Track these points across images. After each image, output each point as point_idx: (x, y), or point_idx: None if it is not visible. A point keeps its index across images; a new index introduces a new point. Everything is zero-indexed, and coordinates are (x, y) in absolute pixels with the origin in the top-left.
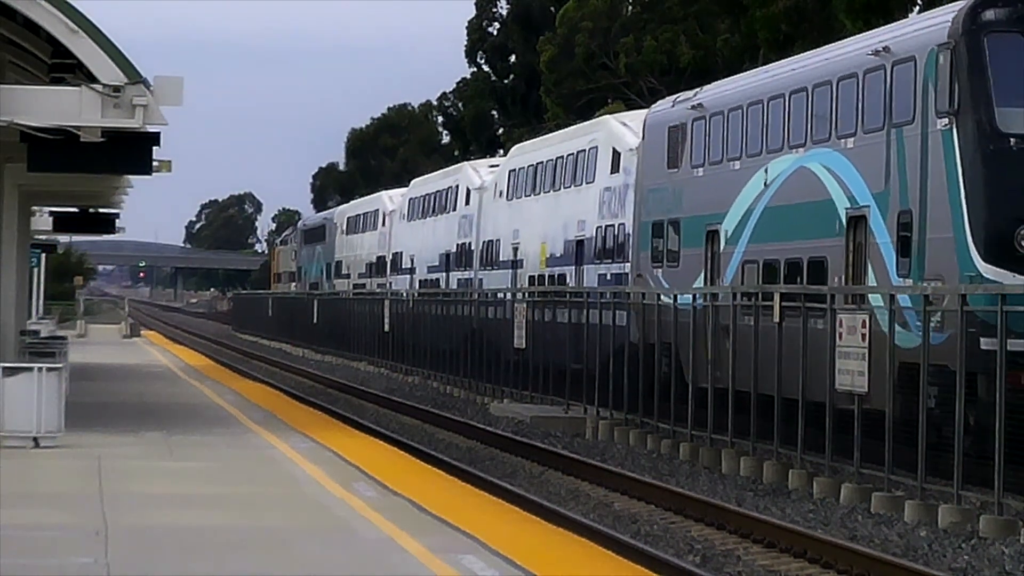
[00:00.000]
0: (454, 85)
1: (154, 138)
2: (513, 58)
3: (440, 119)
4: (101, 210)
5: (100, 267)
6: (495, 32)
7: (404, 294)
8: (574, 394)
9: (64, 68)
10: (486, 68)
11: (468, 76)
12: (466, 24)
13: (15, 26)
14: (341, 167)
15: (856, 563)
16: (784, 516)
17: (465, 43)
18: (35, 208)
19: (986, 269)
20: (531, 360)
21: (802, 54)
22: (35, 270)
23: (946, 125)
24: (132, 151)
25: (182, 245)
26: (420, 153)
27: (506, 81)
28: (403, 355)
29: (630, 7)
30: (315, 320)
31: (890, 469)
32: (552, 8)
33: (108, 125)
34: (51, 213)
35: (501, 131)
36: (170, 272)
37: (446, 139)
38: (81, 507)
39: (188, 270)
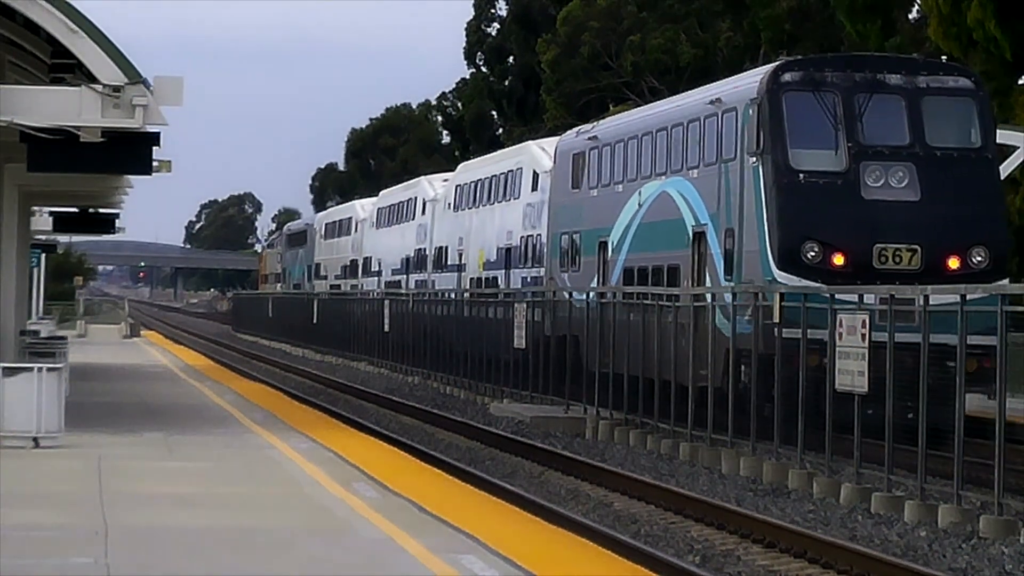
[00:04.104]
0: (454, 85)
1: (154, 138)
2: (511, 60)
3: (440, 119)
4: (101, 210)
5: (100, 267)
6: (494, 34)
7: (402, 294)
8: (574, 394)
9: (64, 68)
10: (485, 69)
11: (467, 77)
12: (465, 25)
13: (15, 26)
14: (341, 167)
15: (856, 563)
16: (784, 516)
17: (464, 44)
18: (35, 208)
19: (780, 275)
20: (468, 352)
21: (667, 99)
22: (35, 270)
23: (755, 162)
24: (132, 151)
25: (182, 245)
26: (420, 153)
27: (505, 83)
28: (403, 355)
29: (632, 7)
30: (315, 320)
31: (890, 469)
32: (552, 9)
33: (108, 125)
34: (51, 213)
35: (501, 131)
36: (170, 272)
37: (446, 139)
38: (81, 507)
39: (188, 270)
